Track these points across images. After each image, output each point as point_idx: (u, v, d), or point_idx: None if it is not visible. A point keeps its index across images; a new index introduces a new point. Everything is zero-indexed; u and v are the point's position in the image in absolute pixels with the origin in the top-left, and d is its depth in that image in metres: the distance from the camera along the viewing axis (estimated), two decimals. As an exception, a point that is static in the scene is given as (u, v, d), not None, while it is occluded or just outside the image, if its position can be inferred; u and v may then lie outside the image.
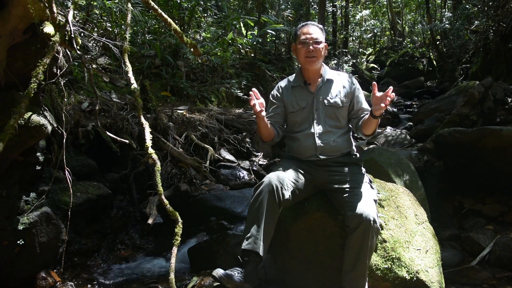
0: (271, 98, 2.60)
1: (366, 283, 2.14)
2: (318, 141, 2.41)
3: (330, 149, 2.42)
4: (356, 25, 20.49)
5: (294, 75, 2.63)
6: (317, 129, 2.43)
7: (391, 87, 2.21)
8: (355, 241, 2.09)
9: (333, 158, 2.42)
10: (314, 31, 2.44)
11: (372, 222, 2.04)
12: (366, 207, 2.09)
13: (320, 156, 2.41)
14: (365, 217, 2.04)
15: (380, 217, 2.29)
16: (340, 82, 2.53)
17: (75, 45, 2.43)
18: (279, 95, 2.58)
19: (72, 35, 2.38)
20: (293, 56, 10.54)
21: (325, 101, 2.47)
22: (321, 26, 2.55)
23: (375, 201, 2.22)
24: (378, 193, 2.47)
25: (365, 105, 2.52)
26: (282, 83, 2.63)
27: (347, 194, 2.22)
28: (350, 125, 2.58)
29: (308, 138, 2.43)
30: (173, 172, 4.35)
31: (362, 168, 2.51)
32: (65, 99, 3.18)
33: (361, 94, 2.57)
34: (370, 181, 2.41)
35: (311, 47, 2.40)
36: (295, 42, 2.51)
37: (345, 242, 2.18)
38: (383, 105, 2.18)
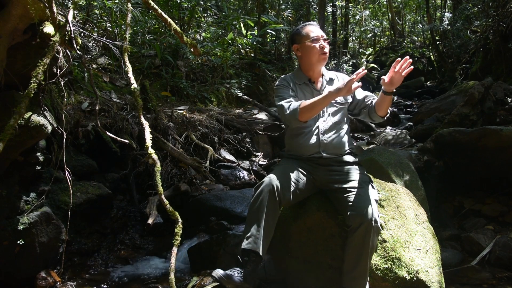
0: (282, 84, 2.53)
1: (367, 283, 2.14)
2: (322, 138, 2.42)
3: (333, 146, 2.43)
4: (356, 25, 20.49)
5: (292, 74, 2.63)
6: (321, 126, 2.45)
7: (406, 57, 2.20)
8: (356, 241, 2.08)
9: (335, 158, 2.43)
10: (319, 29, 2.51)
11: (373, 221, 2.04)
12: (367, 206, 2.09)
13: (323, 154, 2.41)
14: (366, 216, 2.04)
15: (380, 217, 2.29)
16: (340, 82, 2.56)
17: (75, 45, 2.44)
18: (289, 85, 2.53)
19: (72, 35, 2.38)
20: (293, 56, 10.54)
21: None
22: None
23: (376, 201, 2.23)
24: (378, 193, 2.47)
25: (367, 92, 2.57)
26: (286, 78, 2.60)
27: (348, 194, 2.23)
28: (360, 117, 2.61)
29: (312, 135, 2.44)
30: (173, 172, 4.35)
31: (362, 167, 2.52)
32: (65, 99, 3.18)
33: (360, 89, 2.59)
34: (371, 181, 2.41)
35: (324, 44, 2.45)
36: (300, 42, 2.50)
37: (345, 242, 2.18)
38: (403, 74, 2.19)
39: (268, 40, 10.02)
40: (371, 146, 5.83)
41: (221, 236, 2.97)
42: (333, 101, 2.48)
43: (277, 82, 2.60)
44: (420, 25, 18.12)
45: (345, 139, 2.49)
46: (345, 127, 2.53)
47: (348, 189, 2.25)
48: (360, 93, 2.55)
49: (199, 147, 4.86)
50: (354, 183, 2.28)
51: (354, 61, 15.21)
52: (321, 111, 2.47)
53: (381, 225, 2.17)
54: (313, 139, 2.43)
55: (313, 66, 2.53)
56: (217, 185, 4.41)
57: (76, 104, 4.21)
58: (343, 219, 2.29)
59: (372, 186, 2.36)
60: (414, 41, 18.18)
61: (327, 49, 2.47)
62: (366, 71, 2.16)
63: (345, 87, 2.14)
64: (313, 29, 2.49)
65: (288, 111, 2.32)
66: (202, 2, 7.58)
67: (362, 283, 2.12)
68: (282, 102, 2.38)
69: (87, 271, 3.05)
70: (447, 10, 15.46)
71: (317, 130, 2.44)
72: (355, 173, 2.37)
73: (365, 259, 2.08)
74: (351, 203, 2.15)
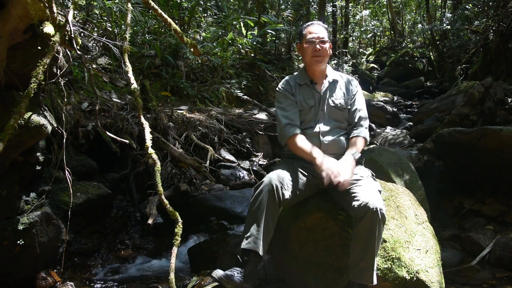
0: (283, 91, 2.55)
1: (375, 274, 2.09)
2: (322, 140, 2.42)
3: (334, 147, 2.43)
4: (356, 25, 20.48)
5: (297, 73, 2.63)
6: (322, 128, 2.45)
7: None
8: (362, 231, 2.06)
9: (336, 157, 2.42)
10: (319, 30, 2.48)
11: (378, 209, 2.02)
12: (371, 196, 2.07)
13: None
14: (371, 205, 2.02)
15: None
16: (343, 84, 2.57)
17: (75, 45, 2.44)
18: (290, 90, 2.55)
19: (72, 35, 2.39)
20: (293, 56, 10.54)
21: (330, 102, 2.49)
22: (325, 25, 2.58)
23: (379, 191, 2.22)
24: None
25: (360, 114, 2.51)
26: (289, 79, 2.61)
27: (350, 186, 2.20)
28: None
29: (313, 137, 2.44)
30: (173, 172, 4.35)
31: (363, 166, 2.52)
32: (65, 99, 3.18)
33: (360, 99, 2.56)
34: (372, 175, 2.40)
35: (318, 46, 2.44)
36: (301, 41, 2.53)
37: (345, 242, 2.18)
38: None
39: (268, 40, 10.01)
40: (371, 146, 5.83)
41: (221, 236, 2.97)
42: (333, 105, 2.49)
43: (279, 85, 2.61)
44: (420, 25, 18.11)
45: (345, 140, 2.49)
46: (346, 129, 2.54)
47: (350, 181, 2.24)
48: (354, 112, 2.51)
49: (199, 147, 4.86)
50: (356, 176, 2.27)
51: (354, 61, 15.18)
52: (322, 114, 2.48)
53: None
54: (314, 141, 2.43)
55: (309, 67, 2.53)
56: (217, 185, 4.41)
57: (76, 104, 4.21)
58: (343, 219, 2.29)
59: (375, 179, 2.36)
60: (414, 41, 18.18)
61: (321, 52, 2.44)
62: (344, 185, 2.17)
63: (321, 175, 2.19)
64: (312, 30, 2.48)
65: (281, 131, 2.45)
66: (202, 2, 7.58)
67: (370, 274, 2.07)
68: (282, 118, 2.46)
69: (87, 271, 3.06)
70: (447, 10, 15.46)
71: (318, 132, 2.44)
72: (356, 168, 2.37)
73: (372, 249, 2.05)
74: (354, 194, 2.13)
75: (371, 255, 2.06)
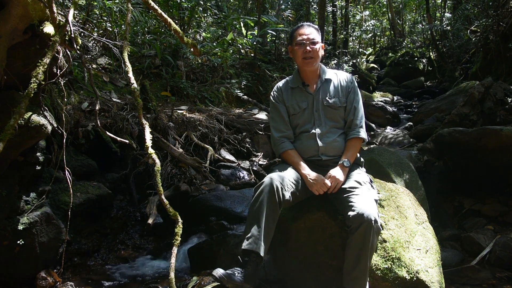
0: (272, 100, 2.59)
1: (367, 282, 2.14)
2: (319, 142, 2.42)
3: (332, 149, 2.43)
4: (356, 25, 20.48)
5: (291, 76, 2.63)
6: (318, 130, 2.44)
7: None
8: (356, 241, 2.09)
9: (335, 159, 2.42)
10: (310, 31, 2.45)
11: (373, 222, 2.04)
12: (367, 207, 2.09)
13: (322, 157, 2.42)
14: (366, 217, 2.04)
15: (380, 217, 2.29)
16: (337, 82, 2.54)
17: (75, 45, 2.44)
18: (280, 97, 2.57)
19: (72, 35, 2.38)
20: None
21: (324, 102, 2.48)
22: (316, 26, 2.54)
23: (375, 201, 2.23)
24: (378, 193, 2.47)
25: (356, 112, 2.49)
26: (281, 84, 2.62)
27: (347, 194, 2.23)
28: None
29: (309, 139, 2.44)
30: (173, 172, 4.34)
31: (363, 168, 2.52)
32: (65, 99, 3.18)
33: (355, 96, 2.53)
34: (371, 181, 2.41)
35: (308, 47, 2.41)
36: (292, 43, 2.51)
37: (345, 242, 2.18)
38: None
39: (268, 40, 10.00)
40: (371, 146, 5.83)
41: (221, 236, 2.97)
42: (327, 105, 2.48)
43: (271, 94, 2.61)
44: (420, 25, 18.10)
45: (344, 140, 2.49)
46: (344, 128, 2.52)
47: (347, 189, 2.25)
48: (351, 111, 2.49)
49: (199, 147, 4.86)
50: (354, 183, 2.28)
51: (354, 61, 15.15)
52: (317, 116, 2.47)
53: (381, 225, 2.18)
54: (312, 143, 2.43)
55: (301, 69, 2.53)
56: (217, 185, 4.41)
57: (76, 104, 4.21)
58: (343, 219, 2.29)
59: (372, 186, 2.37)
60: (414, 41, 18.16)
61: (312, 53, 2.41)
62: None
63: (308, 185, 2.33)
64: (302, 32, 2.44)
65: (274, 145, 2.55)
66: (202, 2, 7.57)
67: (362, 283, 2.12)
68: (273, 130, 2.54)
69: (87, 271, 3.06)
70: (447, 10, 15.45)
71: (314, 135, 2.44)
72: (355, 173, 2.38)
73: (365, 259, 2.08)
74: (350, 203, 2.15)
75: (363, 265, 2.09)
